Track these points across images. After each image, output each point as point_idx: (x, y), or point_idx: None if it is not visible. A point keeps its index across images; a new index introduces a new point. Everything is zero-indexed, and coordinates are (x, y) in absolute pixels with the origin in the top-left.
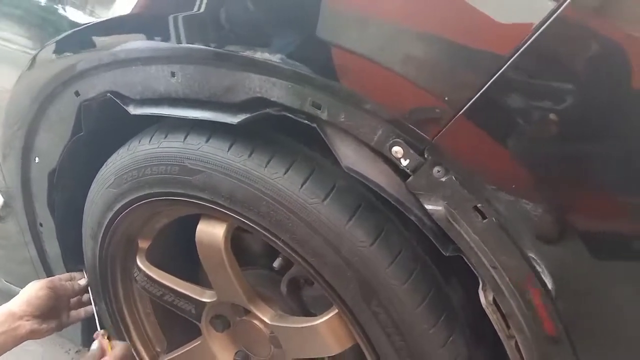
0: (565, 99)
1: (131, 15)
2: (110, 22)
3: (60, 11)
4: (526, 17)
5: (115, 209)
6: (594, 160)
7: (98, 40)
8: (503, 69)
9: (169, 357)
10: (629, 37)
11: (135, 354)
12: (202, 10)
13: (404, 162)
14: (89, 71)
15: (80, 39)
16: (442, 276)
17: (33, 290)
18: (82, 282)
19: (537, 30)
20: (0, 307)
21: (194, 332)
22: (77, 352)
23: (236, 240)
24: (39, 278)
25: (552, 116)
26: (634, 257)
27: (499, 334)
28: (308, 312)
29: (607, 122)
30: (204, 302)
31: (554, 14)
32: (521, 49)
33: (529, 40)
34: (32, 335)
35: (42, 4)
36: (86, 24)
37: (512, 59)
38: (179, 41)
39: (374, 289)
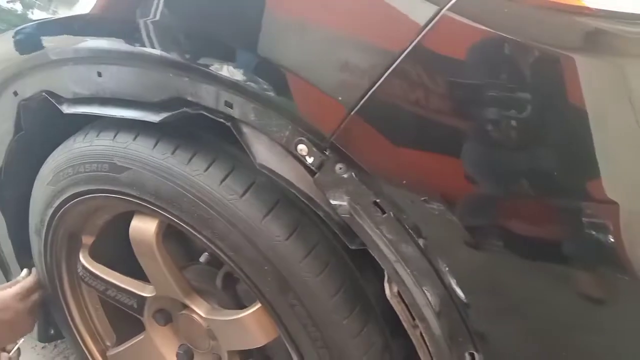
0: (449, 96)
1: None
2: (45, 23)
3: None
4: (414, 16)
5: (55, 205)
6: (474, 155)
7: (35, 41)
8: (392, 67)
9: (115, 351)
10: (503, 38)
11: (85, 349)
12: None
13: (309, 160)
14: (26, 71)
15: (18, 39)
16: (357, 269)
17: None
18: (30, 279)
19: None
20: None
21: (141, 326)
22: (43, 347)
23: (177, 235)
24: None
25: (435, 114)
26: (518, 248)
27: (404, 324)
28: (243, 306)
29: (484, 118)
30: (145, 296)
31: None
32: (409, 48)
33: (416, 39)
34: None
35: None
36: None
37: (401, 57)
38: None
39: (289, 282)
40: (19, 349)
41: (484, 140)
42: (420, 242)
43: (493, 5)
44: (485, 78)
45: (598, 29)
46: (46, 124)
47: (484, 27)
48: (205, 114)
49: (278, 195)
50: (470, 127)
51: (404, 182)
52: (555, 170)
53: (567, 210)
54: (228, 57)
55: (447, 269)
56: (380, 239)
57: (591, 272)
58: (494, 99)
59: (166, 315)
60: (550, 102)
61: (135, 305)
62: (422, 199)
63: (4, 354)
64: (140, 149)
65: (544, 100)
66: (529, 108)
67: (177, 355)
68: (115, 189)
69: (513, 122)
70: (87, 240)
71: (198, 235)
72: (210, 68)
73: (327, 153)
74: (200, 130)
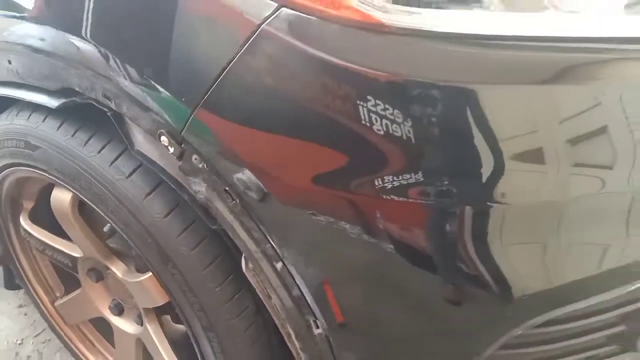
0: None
1: None
2: None
3: None
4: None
5: None
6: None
7: None
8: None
9: (61, 302)
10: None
11: (37, 299)
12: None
13: (171, 150)
14: None
15: None
16: (232, 244)
17: None
18: None
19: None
20: None
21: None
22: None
23: None
24: None
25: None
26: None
27: (260, 295)
28: None
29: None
30: (76, 257)
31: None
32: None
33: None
34: None
35: None
36: None
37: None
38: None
39: (168, 254)
40: None
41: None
42: (262, 227)
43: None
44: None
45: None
46: None
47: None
48: (92, 103)
49: (160, 179)
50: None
51: (244, 172)
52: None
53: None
54: (102, 55)
55: (285, 251)
56: (233, 222)
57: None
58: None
59: (97, 274)
60: None
61: (70, 264)
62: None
63: None
64: (48, 130)
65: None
66: None
67: (109, 308)
68: (32, 164)
69: None
70: (27, 204)
71: (97, 209)
72: (87, 65)
73: (183, 145)
74: (101, 115)
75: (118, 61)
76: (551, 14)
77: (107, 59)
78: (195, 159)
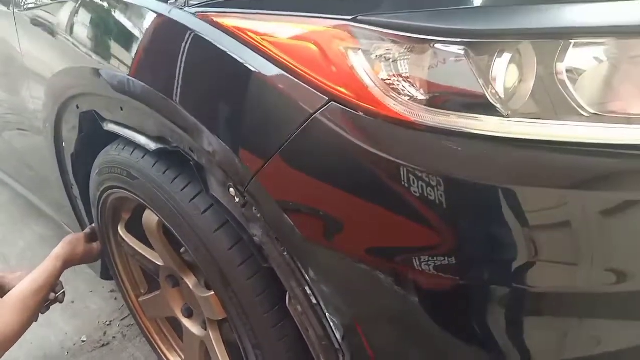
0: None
1: None
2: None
3: None
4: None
5: (100, 189)
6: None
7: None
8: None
9: (144, 299)
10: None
11: (125, 292)
12: None
13: (237, 200)
14: (85, 93)
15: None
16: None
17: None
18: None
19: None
20: None
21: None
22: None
23: None
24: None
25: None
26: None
27: (299, 326)
28: None
29: None
30: (158, 264)
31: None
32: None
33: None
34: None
35: None
36: None
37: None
38: None
39: (228, 280)
40: (64, 292)
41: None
42: (304, 272)
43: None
44: None
45: None
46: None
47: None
48: (182, 151)
49: (226, 219)
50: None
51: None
52: None
53: None
54: (189, 120)
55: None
56: (280, 264)
57: None
58: None
59: (174, 281)
60: None
61: (153, 269)
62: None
63: (52, 294)
64: (145, 165)
65: None
66: None
67: (181, 310)
68: (131, 190)
69: None
70: (125, 215)
71: (174, 232)
72: (177, 125)
73: (246, 198)
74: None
75: (202, 127)
76: None
77: (194, 124)
78: (255, 210)
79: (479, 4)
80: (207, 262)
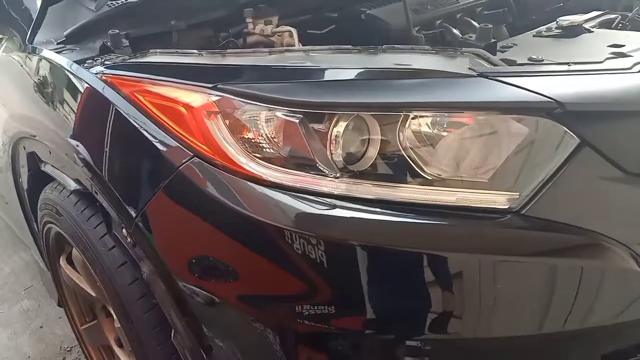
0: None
1: None
2: None
3: None
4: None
5: (42, 222)
6: None
7: None
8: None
9: (85, 327)
10: None
11: (71, 319)
12: None
13: (128, 240)
14: None
15: None
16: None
17: None
18: None
19: None
20: None
21: None
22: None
23: None
24: None
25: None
26: None
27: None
28: None
29: None
30: (93, 295)
31: None
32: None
33: None
34: None
35: None
36: None
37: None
38: None
39: (127, 310)
40: None
41: None
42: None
43: None
44: None
45: None
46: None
47: None
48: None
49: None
50: None
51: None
52: None
53: None
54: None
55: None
56: (163, 302)
57: None
58: None
59: (107, 311)
60: None
61: (90, 300)
62: None
63: None
64: (68, 204)
65: None
66: None
67: (114, 339)
68: (58, 225)
69: None
70: (67, 248)
71: (89, 265)
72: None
73: (134, 238)
74: None
75: (98, 172)
76: None
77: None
78: (140, 250)
79: (322, 78)
80: (112, 295)
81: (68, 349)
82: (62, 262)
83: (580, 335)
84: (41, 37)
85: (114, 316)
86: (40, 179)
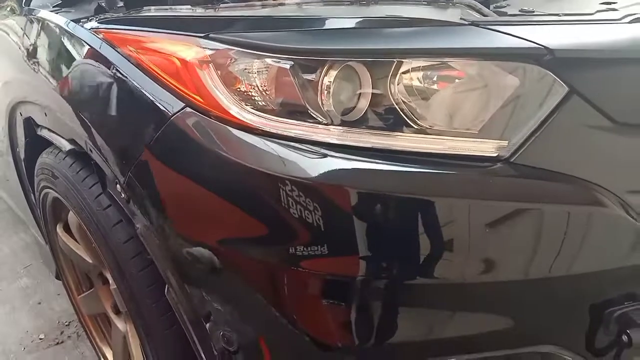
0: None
1: None
2: None
3: None
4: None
5: (39, 189)
6: None
7: None
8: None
9: (82, 295)
10: None
11: (69, 289)
12: None
13: (122, 195)
14: None
15: None
16: None
17: None
18: None
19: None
20: None
21: None
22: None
23: None
24: None
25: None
26: None
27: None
28: None
29: None
30: (90, 262)
31: None
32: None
33: None
34: None
35: None
36: None
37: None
38: None
39: (121, 268)
40: None
41: None
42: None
43: None
44: None
45: None
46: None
47: None
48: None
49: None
50: None
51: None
52: None
53: None
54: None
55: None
56: (157, 257)
57: None
58: None
59: (104, 278)
60: None
61: (86, 267)
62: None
63: None
64: (64, 166)
65: None
66: None
67: (111, 307)
68: (54, 188)
69: None
70: (64, 216)
71: (85, 227)
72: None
73: (128, 194)
74: None
75: (91, 127)
76: None
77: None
78: (135, 204)
79: (313, 26)
80: (107, 254)
81: (66, 323)
82: (59, 229)
83: (567, 283)
84: (37, 1)
85: (110, 280)
86: (37, 146)
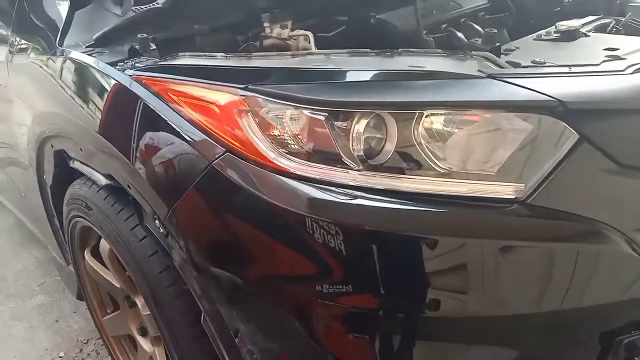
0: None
1: None
2: None
3: None
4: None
5: (69, 217)
6: None
7: None
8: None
9: (107, 317)
10: None
11: (93, 310)
12: None
13: (161, 230)
14: None
15: None
16: None
17: None
18: None
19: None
20: None
21: None
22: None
23: None
24: None
25: None
26: None
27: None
28: None
29: None
30: (117, 286)
31: None
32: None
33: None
34: None
35: None
36: None
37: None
38: None
39: (159, 301)
40: None
41: None
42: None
43: None
44: None
45: None
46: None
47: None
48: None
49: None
50: None
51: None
52: None
53: None
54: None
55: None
56: (195, 288)
57: None
58: None
59: (131, 301)
60: None
61: (113, 291)
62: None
63: None
64: (98, 198)
65: None
66: None
67: (137, 329)
68: (88, 218)
69: None
70: (91, 242)
71: (119, 257)
72: (116, 163)
73: (167, 228)
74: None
75: (132, 166)
76: None
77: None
78: (173, 239)
79: (344, 79)
80: (142, 283)
81: (85, 341)
82: (87, 254)
83: (578, 314)
84: (69, 40)
85: (140, 304)
86: (66, 175)
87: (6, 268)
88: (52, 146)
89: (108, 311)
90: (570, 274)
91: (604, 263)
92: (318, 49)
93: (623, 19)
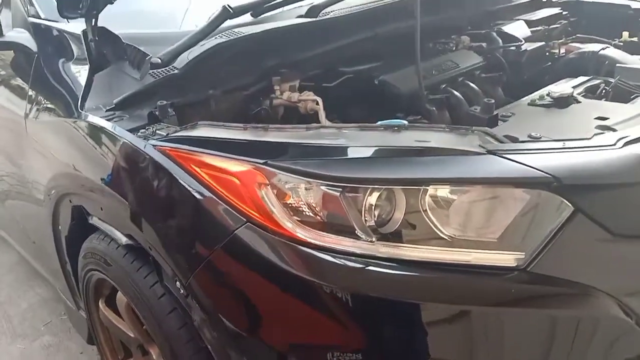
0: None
1: None
2: None
3: None
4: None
5: (85, 270)
6: None
7: None
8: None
9: None
10: None
11: (104, 356)
12: None
13: (181, 291)
14: None
15: None
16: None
17: None
18: None
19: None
20: None
21: None
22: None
23: None
24: None
25: None
26: None
27: None
28: None
29: None
30: (130, 335)
31: None
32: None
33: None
34: None
35: None
36: None
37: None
38: None
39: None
40: None
41: None
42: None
43: None
44: None
45: None
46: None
47: None
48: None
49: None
50: None
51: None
52: None
53: None
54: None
55: None
56: (214, 347)
57: None
58: None
59: (144, 350)
60: None
61: (126, 339)
62: None
63: None
64: (118, 255)
65: None
66: None
67: None
68: (106, 273)
69: None
70: (105, 292)
71: (137, 312)
72: (137, 228)
73: (187, 290)
74: None
75: (154, 233)
76: None
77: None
78: (193, 300)
79: (356, 156)
80: (161, 337)
81: None
82: (101, 304)
83: None
84: (89, 103)
85: (154, 355)
86: (83, 229)
87: (12, 307)
88: (71, 201)
89: (119, 358)
90: (569, 339)
91: (599, 327)
92: (321, 97)
93: (612, 81)
